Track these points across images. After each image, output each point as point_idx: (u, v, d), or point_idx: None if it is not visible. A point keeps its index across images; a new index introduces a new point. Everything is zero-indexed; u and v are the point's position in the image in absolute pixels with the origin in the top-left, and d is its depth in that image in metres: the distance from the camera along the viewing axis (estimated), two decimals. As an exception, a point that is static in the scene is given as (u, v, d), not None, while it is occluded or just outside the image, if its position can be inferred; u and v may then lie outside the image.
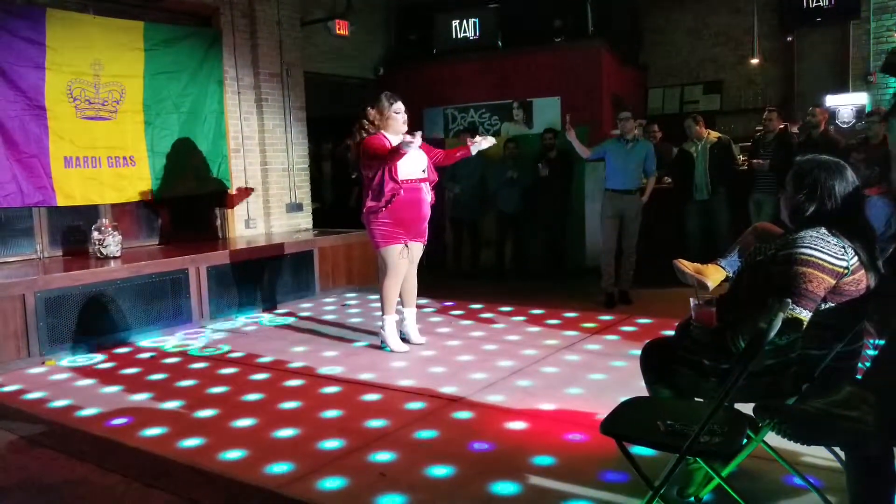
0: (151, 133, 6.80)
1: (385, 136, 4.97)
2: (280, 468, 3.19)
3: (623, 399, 2.60)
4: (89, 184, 6.33)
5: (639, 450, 2.79)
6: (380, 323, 5.26)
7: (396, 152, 4.75)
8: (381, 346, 5.18)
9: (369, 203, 5.00)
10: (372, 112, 5.01)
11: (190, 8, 7.21)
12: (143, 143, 6.74)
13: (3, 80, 5.76)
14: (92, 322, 5.41)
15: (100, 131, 6.42)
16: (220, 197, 7.56)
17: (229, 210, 7.63)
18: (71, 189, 6.20)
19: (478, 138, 5.29)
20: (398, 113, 5.04)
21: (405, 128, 5.09)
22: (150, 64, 6.72)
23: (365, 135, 4.99)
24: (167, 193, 7.00)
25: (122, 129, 6.58)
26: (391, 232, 5.01)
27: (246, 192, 7.67)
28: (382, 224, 4.99)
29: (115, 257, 6.10)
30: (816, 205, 2.48)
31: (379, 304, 5.30)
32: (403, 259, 5.10)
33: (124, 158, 6.60)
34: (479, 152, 8.71)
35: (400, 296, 5.27)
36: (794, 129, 6.92)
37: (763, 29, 9.13)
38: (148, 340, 5.69)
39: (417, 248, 5.22)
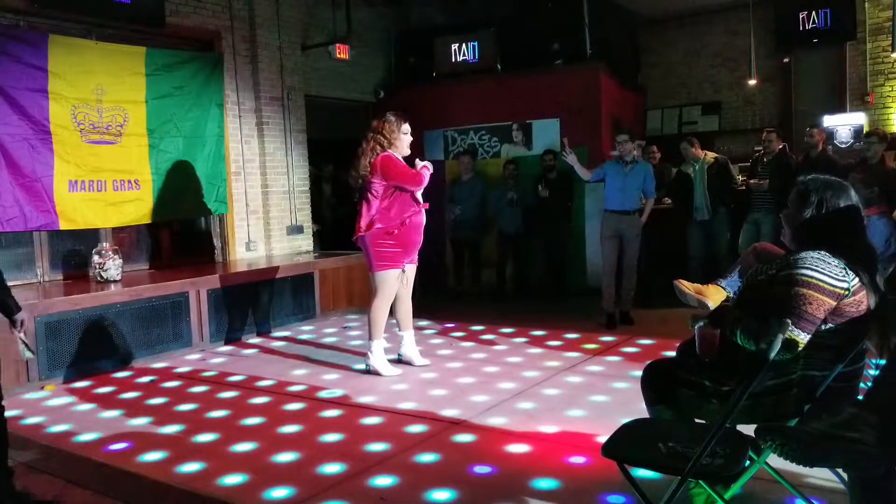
0: (156, 156, 6.84)
1: (395, 155, 4.98)
2: (280, 493, 3.17)
3: (625, 421, 2.59)
4: (92, 207, 6.35)
5: (641, 472, 2.76)
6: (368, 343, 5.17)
7: (424, 175, 4.90)
8: (368, 371, 5.09)
9: (378, 225, 4.92)
10: (386, 127, 4.99)
11: (191, 33, 7.28)
12: (147, 167, 6.78)
13: (8, 105, 5.80)
14: (92, 346, 5.39)
15: (106, 155, 6.45)
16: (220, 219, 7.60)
17: (230, 233, 7.65)
18: (74, 213, 6.21)
19: None
20: (406, 134, 5.07)
21: (408, 151, 5.12)
22: (151, 89, 6.77)
23: (380, 150, 4.97)
24: (168, 216, 7.03)
25: (127, 153, 6.62)
26: (395, 255, 4.98)
27: None
28: (389, 247, 4.94)
29: (115, 281, 6.10)
30: (820, 223, 2.47)
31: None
32: (399, 283, 5.09)
33: (129, 182, 6.63)
34: (481, 173, 8.78)
35: (396, 320, 5.25)
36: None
37: (760, 50, 9.19)
38: (148, 364, 5.68)
39: (412, 271, 5.23)
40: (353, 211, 5.26)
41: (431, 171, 4.97)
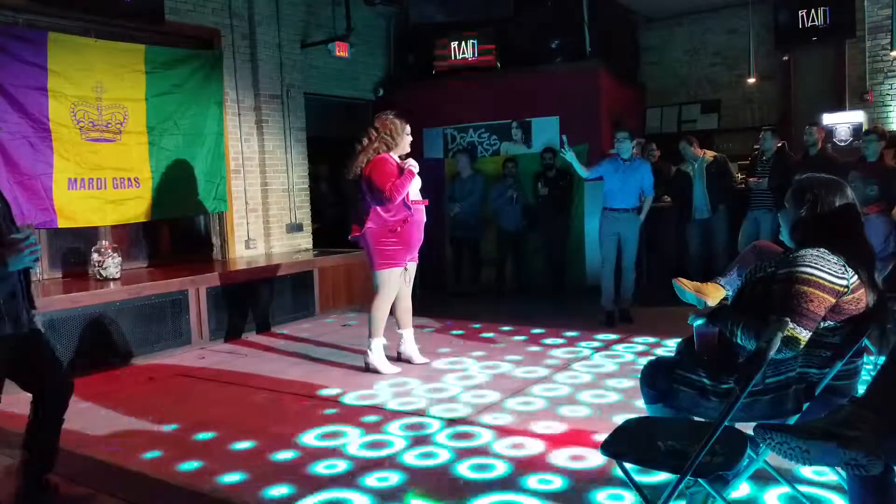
0: (155, 154, 6.83)
1: (392, 157, 4.97)
2: (279, 491, 3.17)
3: (624, 419, 2.59)
4: (91, 205, 6.35)
5: (640, 471, 2.77)
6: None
7: (409, 176, 4.83)
8: (367, 369, 5.10)
9: (374, 224, 4.94)
10: (392, 129, 4.97)
11: (191, 31, 7.27)
12: (146, 165, 6.77)
13: (7, 103, 5.79)
14: (91, 344, 5.39)
15: (105, 152, 6.45)
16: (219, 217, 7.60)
17: (229, 231, 7.65)
18: (72, 211, 6.21)
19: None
20: (408, 134, 5.08)
21: (409, 149, 5.13)
22: (151, 86, 6.77)
23: (384, 149, 4.94)
24: (167, 214, 7.03)
25: (127, 151, 6.62)
26: (397, 253, 4.98)
27: None
28: (392, 245, 4.95)
29: (114, 279, 6.09)
30: (816, 221, 2.48)
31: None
32: (401, 281, 5.09)
33: (129, 180, 6.64)
34: (480, 171, 8.78)
35: (396, 318, 5.25)
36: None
37: (759, 48, 9.20)
38: (148, 362, 5.68)
39: (413, 268, 5.23)
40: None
41: (417, 170, 4.95)
